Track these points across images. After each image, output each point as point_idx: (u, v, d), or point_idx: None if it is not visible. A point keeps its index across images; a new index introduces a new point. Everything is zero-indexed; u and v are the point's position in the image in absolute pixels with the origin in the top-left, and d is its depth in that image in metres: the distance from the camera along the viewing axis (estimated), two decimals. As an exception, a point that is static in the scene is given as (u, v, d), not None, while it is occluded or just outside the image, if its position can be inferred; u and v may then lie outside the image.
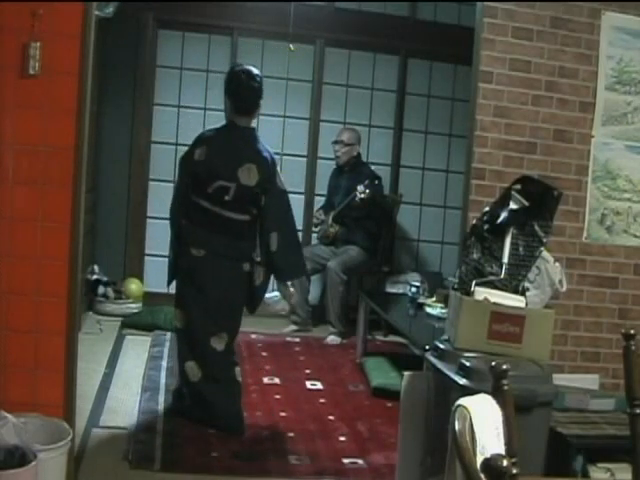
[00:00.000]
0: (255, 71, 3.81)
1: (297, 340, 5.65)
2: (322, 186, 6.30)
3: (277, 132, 6.26)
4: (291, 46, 5.62)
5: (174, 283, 3.95)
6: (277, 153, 6.06)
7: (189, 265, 3.76)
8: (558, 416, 3.02)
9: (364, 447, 3.75)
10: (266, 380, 4.64)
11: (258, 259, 3.81)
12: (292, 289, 3.84)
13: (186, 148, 5.90)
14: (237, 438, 3.69)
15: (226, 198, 3.68)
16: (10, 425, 2.66)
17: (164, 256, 6.16)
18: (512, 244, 2.93)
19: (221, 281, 3.74)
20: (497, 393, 1.97)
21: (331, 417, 4.13)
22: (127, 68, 6.07)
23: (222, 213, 3.70)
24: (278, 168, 3.85)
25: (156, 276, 6.16)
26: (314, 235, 6.25)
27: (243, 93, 3.77)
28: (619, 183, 3.71)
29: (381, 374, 4.69)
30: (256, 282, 3.84)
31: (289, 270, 3.85)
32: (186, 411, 3.83)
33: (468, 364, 2.63)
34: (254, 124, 3.98)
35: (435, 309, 4.61)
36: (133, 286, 5.91)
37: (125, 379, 4.43)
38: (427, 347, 2.96)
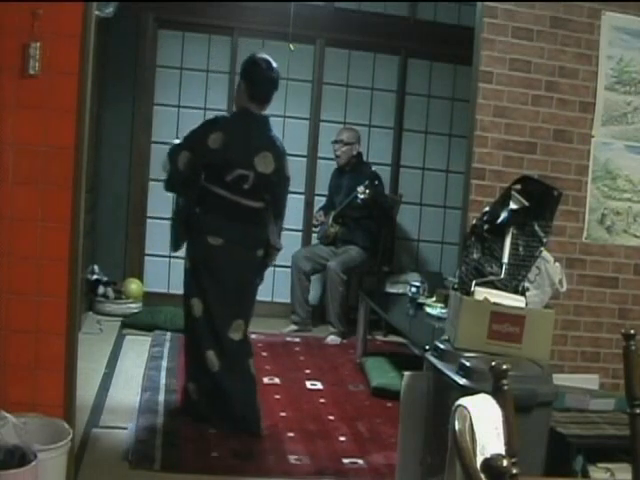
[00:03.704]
0: (273, 62, 3.85)
1: (297, 340, 5.65)
2: (322, 186, 6.30)
3: (277, 132, 6.23)
4: (291, 46, 5.62)
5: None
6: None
7: (206, 254, 3.74)
8: (558, 416, 3.02)
9: (364, 447, 3.75)
10: (266, 380, 4.64)
11: (278, 246, 3.90)
12: None
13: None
14: (238, 438, 3.68)
15: (245, 187, 3.69)
16: (10, 425, 2.66)
17: (164, 256, 6.20)
18: (512, 244, 2.93)
19: (238, 269, 3.76)
20: (497, 393, 1.97)
21: (331, 417, 4.13)
22: (127, 68, 6.07)
23: (240, 201, 3.71)
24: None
25: (156, 276, 6.18)
26: (314, 235, 6.25)
27: (262, 82, 3.79)
28: (619, 183, 3.71)
29: (381, 374, 4.69)
30: (268, 265, 3.98)
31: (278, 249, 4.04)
32: (195, 408, 3.80)
33: (468, 364, 2.63)
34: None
35: (435, 309, 4.60)
36: (133, 286, 5.91)
37: (125, 379, 4.43)
38: (427, 347, 2.96)
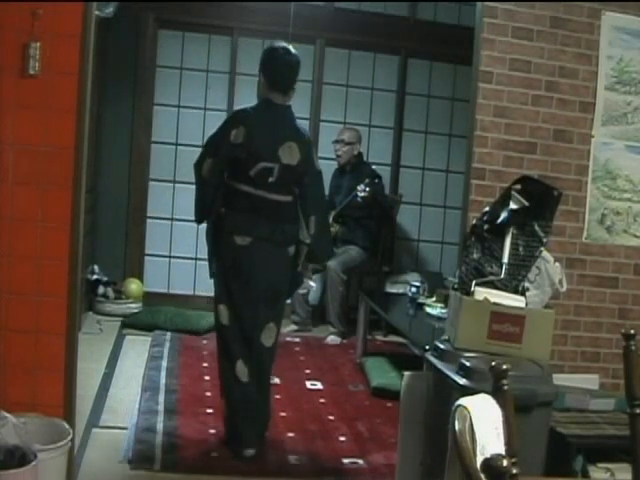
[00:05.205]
0: (292, 49, 3.66)
1: (297, 340, 5.65)
2: (322, 186, 6.28)
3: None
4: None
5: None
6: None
7: (234, 256, 3.51)
8: (558, 416, 3.02)
9: (364, 447, 3.75)
10: (266, 380, 4.64)
11: (307, 241, 3.64)
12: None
13: (186, 148, 6.04)
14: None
15: (270, 180, 3.49)
16: (10, 425, 2.66)
17: (164, 256, 6.22)
18: (512, 244, 2.93)
19: (269, 268, 3.53)
20: (497, 393, 1.97)
21: (331, 417, 4.13)
22: (127, 68, 6.07)
23: (266, 196, 3.51)
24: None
25: (156, 276, 6.18)
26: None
27: (280, 69, 3.59)
28: (619, 183, 3.71)
29: (381, 374, 4.69)
30: (299, 265, 3.71)
31: (324, 253, 3.90)
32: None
33: (468, 364, 2.63)
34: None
35: (435, 309, 4.60)
36: (133, 286, 5.91)
37: (125, 379, 4.43)
38: (427, 347, 2.96)
